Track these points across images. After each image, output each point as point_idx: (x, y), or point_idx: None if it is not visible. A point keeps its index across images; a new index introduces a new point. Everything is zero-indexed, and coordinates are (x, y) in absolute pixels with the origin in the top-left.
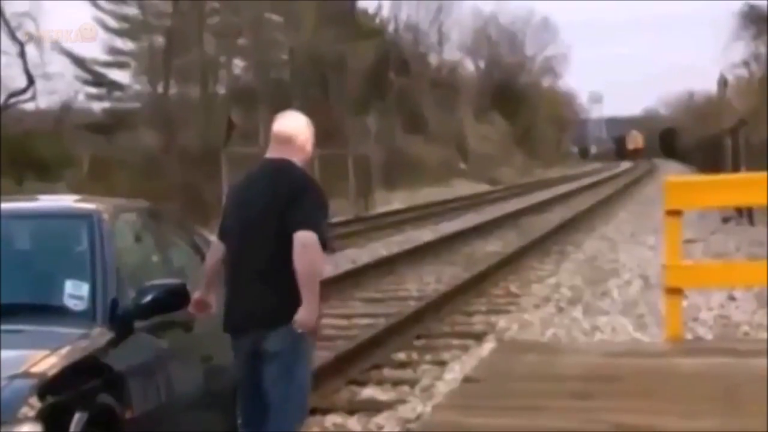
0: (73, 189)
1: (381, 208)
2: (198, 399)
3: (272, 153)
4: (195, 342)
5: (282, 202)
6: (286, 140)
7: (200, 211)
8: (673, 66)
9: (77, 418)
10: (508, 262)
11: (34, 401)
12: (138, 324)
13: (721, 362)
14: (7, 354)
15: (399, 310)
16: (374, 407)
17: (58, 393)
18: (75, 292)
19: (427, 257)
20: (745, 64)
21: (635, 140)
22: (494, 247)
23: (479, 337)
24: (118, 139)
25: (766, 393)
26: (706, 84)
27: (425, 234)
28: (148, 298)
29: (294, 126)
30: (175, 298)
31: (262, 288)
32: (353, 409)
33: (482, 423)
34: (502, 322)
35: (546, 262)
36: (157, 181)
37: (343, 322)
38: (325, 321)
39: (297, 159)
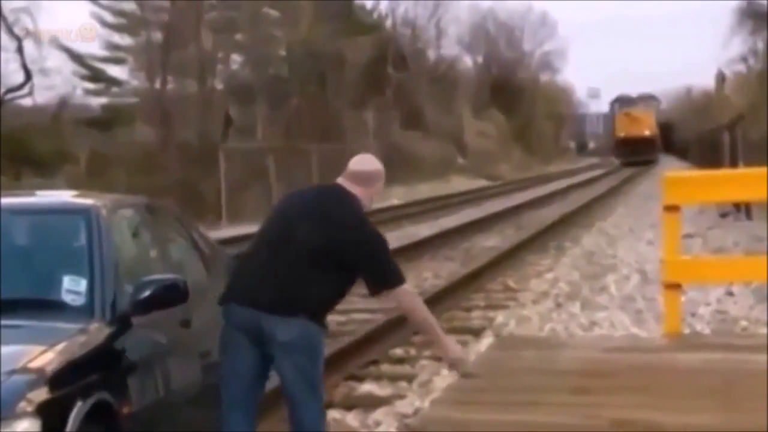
0: (71, 184)
1: (379, 204)
2: (196, 394)
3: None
4: (193, 337)
5: (333, 229)
6: (364, 179)
7: (198, 207)
8: (671, 61)
9: (75, 413)
10: (507, 258)
11: (32, 396)
12: (136, 319)
13: (719, 358)
14: (5, 349)
15: (395, 305)
16: (372, 403)
17: (56, 388)
18: (73, 288)
19: (425, 253)
20: (743, 59)
21: (635, 122)
22: (492, 242)
23: (477, 333)
24: (116, 134)
25: (764, 389)
26: (704, 80)
27: (423, 229)
28: (146, 293)
29: (373, 169)
30: (173, 293)
31: (284, 281)
32: (351, 404)
33: (480, 418)
34: (500, 317)
35: (544, 257)
36: (155, 177)
37: (341, 318)
38: None
39: (363, 194)
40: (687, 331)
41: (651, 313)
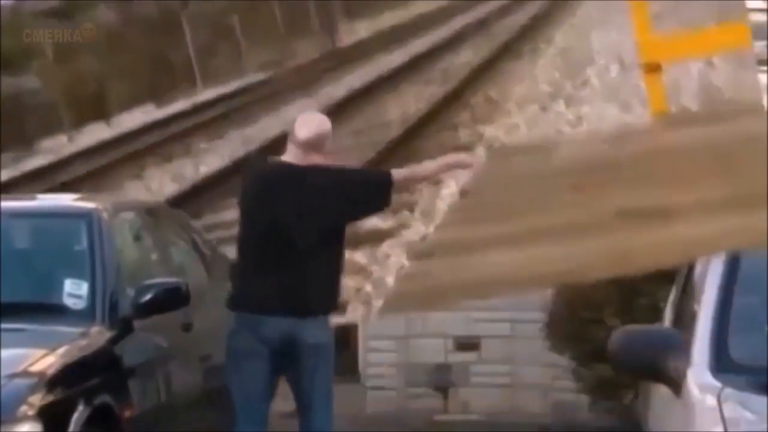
0: (42, 79)
1: (348, 41)
2: (197, 398)
3: (297, 159)
4: (194, 341)
5: (329, 196)
6: (316, 145)
7: (171, 77)
8: None
9: (76, 417)
10: (484, 70)
11: (34, 400)
12: (137, 323)
13: (710, 131)
14: (7, 353)
15: (385, 136)
16: (378, 237)
17: (58, 392)
18: (74, 291)
19: (402, 80)
20: None
21: None
22: (467, 57)
23: (469, 149)
24: (78, 21)
25: (761, 153)
26: None
27: (396, 58)
28: (148, 296)
29: (323, 130)
30: (174, 296)
31: (300, 276)
32: (358, 241)
33: (489, 233)
34: (488, 130)
35: (520, 62)
36: (124, 57)
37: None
38: None
39: (320, 159)
40: (673, 109)
41: (637, 99)
